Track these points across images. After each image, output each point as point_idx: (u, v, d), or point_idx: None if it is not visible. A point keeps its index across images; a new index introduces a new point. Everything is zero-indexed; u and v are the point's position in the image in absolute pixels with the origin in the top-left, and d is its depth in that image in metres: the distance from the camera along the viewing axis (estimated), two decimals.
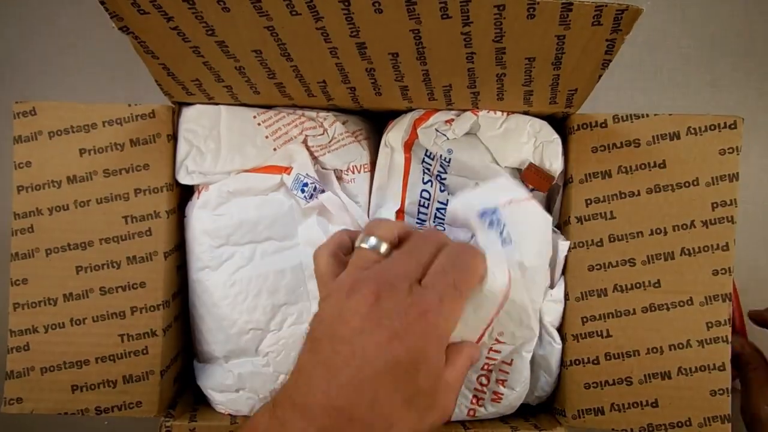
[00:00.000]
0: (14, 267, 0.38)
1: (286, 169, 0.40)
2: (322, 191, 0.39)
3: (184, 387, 0.43)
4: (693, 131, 0.39)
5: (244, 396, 0.40)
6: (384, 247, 0.29)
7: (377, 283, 0.26)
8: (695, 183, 0.39)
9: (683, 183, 0.39)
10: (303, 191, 0.39)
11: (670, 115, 0.39)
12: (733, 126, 0.38)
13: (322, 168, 0.41)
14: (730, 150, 0.39)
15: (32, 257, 0.38)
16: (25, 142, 0.38)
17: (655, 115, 0.39)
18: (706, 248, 0.39)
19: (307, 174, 0.39)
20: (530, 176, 0.41)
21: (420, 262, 0.28)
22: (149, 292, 0.39)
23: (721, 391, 0.38)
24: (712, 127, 0.38)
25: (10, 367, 0.38)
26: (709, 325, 0.38)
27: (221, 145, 0.40)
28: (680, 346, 0.39)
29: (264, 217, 0.40)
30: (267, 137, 0.40)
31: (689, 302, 0.39)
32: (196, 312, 0.41)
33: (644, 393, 0.39)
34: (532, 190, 0.41)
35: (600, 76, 0.34)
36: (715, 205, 0.38)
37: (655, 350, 0.39)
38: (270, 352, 0.39)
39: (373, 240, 0.29)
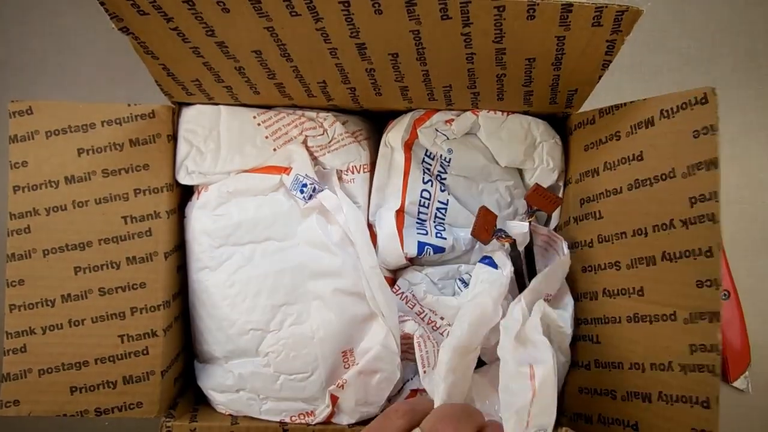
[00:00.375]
0: (10, 268, 0.38)
1: (286, 170, 0.40)
2: (321, 191, 0.39)
3: (185, 387, 0.43)
4: (665, 114, 0.32)
5: (245, 396, 0.40)
6: None
7: None
8: (671, 175, 0.32)
9: (660, 176, 0.33)
10: (302, 192, 0.39)
11: (644, 100, 0.34)
12: (704, 100, 0.31)
13: (323, 168, 0.41)
14: (705, 130, 0.30)
15: (29, 258, 0.38)
16: (21, 142, 0.38)
17: (631, 102, 0.35)
18: (687, 253, 0.31)
19: (306, 175, 0.39)
20: (534, 198, 0.38)
21: None
22: (149, 293, 0.38)
23: None
24: (684, 106, 0.32)
25: (6, 370, 0.38)
26: (693, 348, 0.31)
27: (221, 146, 0.40)
28: (661, 367, 0.32)
29: (263, 218, 0.40)
30: (267, 137, 0.40)
31: (672, 317, 0.32)
32: (196, 312, 0.41)
33: (626, 411, 0.34)
34: (536, 211, 0.39)
35: (600, 77, 0.34)
36: (693, 200, 0.31)
37: (636, 366, 0.34)
38: (270, 353, 0.39)
39: None
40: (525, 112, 0.40)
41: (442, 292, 0.40)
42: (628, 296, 0.35)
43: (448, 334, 0.38)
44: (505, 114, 0.40)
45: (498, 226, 0.38)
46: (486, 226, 0.37)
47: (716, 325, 0.30)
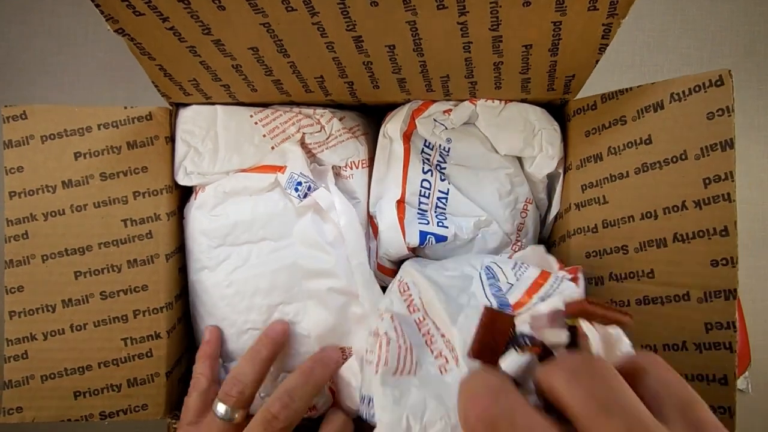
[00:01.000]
0: (9, 274, 0.38)
1: (281, 168, 0.40)
2: (316, 189, 0.39)
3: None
4: (676, 97, 0.33)
5: None
6: (236, 416, 0.29)
7: None
8: (683, 157, 0.33)
9: (670, 158, 0.33)
10: (297, 190, 0.39)
11: (652, 84, 0.34)
12: (719, 82, 0.31)
13: (320, 165, 0.41)
14: (720, 112, 0.31)
15: (28, 264, 0.38)
16: (15, 147, 0.38)
17: (638, 87, 0.35)
18: (701, 233, 0.32)
19: (300, 173, 0.39)
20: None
21: None
22: (152, 295, 0.38)
23: (722, 410, 0.32)
24: (696, 89, 0.32)
25: (8, 377, 0.37)
26: (708, 326, 0.32)
27: (219, 146, 0.40)
28: (675, 347, 0.33)
29: (259, 217, 0.39)
30: (264, 136, 0.40)
31: (685, 297, 0.33)
32: (197, 313, 0.41)
33: None
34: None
35: (597, 61, 0.34)
36: (707, 181, 0.32)
37: (648, 348, 0.34)
38: None
39: (222, 410, 0.29)
40: (523, 100, 0.40)
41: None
42: (637, 279, 0.35)
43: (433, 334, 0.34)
44: (503, 102, 0.40)
45: (518, 327, 0.22)
46: (496, 337, 0.21)
47: (732, 302, 0.31)
